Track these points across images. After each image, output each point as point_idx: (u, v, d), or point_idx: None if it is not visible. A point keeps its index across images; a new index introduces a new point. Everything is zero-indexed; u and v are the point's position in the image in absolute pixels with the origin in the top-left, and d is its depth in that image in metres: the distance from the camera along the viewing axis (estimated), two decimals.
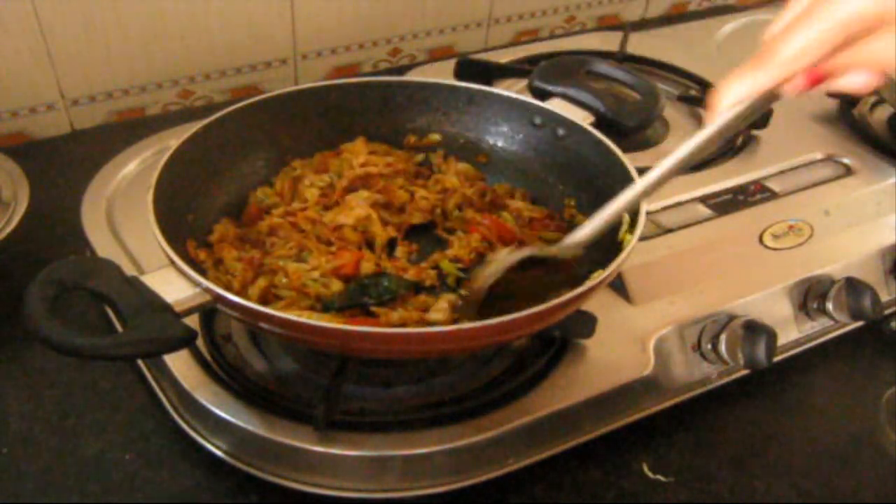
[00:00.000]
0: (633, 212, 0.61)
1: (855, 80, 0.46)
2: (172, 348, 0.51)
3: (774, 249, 0.77)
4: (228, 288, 0.61)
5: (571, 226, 0.72)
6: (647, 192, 0.57)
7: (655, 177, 0.57)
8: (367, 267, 0.66)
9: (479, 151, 0.78)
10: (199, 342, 0.64)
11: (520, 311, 0.51)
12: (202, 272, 0.61)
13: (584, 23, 1.31)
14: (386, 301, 0.63)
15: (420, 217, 0.72)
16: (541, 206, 0.74)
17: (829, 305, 0.74)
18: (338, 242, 0.67)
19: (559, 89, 0.77)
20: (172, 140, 0.66)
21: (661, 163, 0.56)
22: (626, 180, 0.64)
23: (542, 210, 0.73)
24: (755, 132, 0.91)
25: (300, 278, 0.64)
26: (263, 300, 0.63)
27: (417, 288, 0.66)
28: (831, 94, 0.97)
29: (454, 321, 0.61)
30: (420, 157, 0.78)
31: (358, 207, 0.70)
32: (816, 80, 0.47)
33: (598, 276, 0.56)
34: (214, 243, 0.66)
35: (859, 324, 0.76)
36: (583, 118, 0.73)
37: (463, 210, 0.73)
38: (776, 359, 0.69)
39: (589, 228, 0.58)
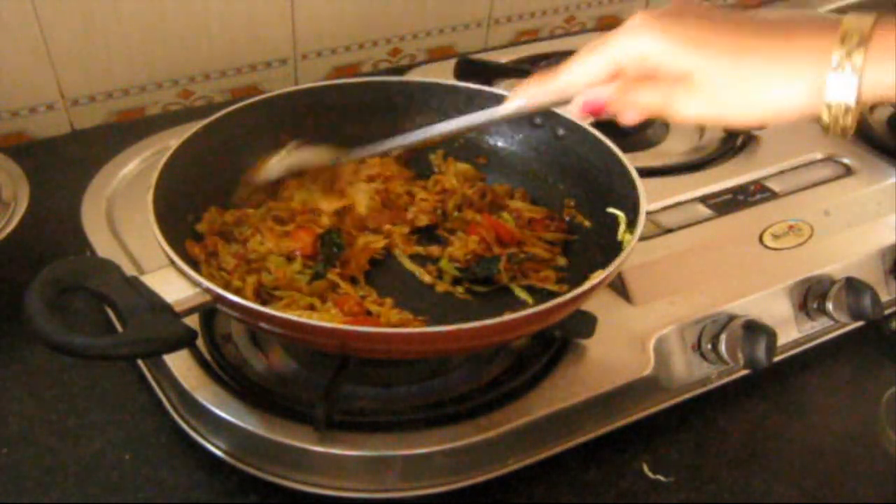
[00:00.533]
0: (633, 211, 0.61)
1: (627, 116, 0.52)
2: (172, 348, 0.51)
3: (774, 249, 0.77)
4: (226, 285, 0.62)
5: (572, 225, 0.72)
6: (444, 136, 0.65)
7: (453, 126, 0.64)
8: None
9: (479, 152, 0.78)
10: (199, 342, 0.64)
11: None
12: (197, 269, 0.61)
13: (584, 23, 1.31)
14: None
15: (425, 219, 0.72)
16: (540, 205, 0.74)
17: (829, 305, 0.74)
18: (300, 220, 0.69)
19: None
20: (172, 140, 0.66)
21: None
22: (626, 180, 0.64)
23: (541, 210, 0.73)
24: (755, 132, 0.91)
25: (285, 274, 0.64)
26: (258, 296, 0.63)
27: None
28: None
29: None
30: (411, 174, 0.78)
31: (361, 193, 0.70)
32: (593, 110, 0.54)
33: (598, 276, 0.56)
34: (206, 234, 0.66)
35: (859, 324, 0.76)
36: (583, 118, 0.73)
37: (462, 210, 0.73)
38: (776, 359, 0.69)
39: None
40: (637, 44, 0.49)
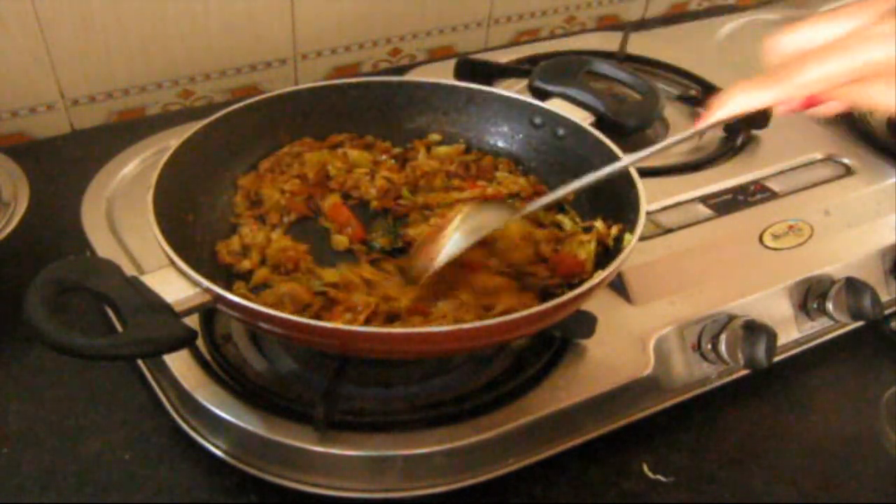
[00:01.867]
0: (633, 211, 0.61)
1: (833, 107, 0.49)
2: (172, 348, 0.51)
3: (774, 249, 0.77)
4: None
5: (561, 206, 0.72)
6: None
7: (640, 157, 0.59)
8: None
9: (480, 152, 0.78)
10: (199, 342, 0.64)
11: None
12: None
13: (584, 23, 1.31)
14: None
15: (375, 195, 0.73)
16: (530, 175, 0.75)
17: (829, 305, 0.74)
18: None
19: (559, 89, 0.77)
20: (172, 140, 0.66)
21: (653, 147, 0.58)
22: (626, 180, 0.64)
23: (527, 182, 0.73)
24: (755, 132, 0.91)
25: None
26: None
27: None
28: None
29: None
30: (398, 149, 0.78)
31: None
32: (811, 104, 0.48)
33: (598, 276, 0.56)
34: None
35: (859, 324, 0.76)
36: (583, 118, 0.73)
37: (450, 181, 0.74)
38: (776, 359, 0.69)
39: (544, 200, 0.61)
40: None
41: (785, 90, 0.47)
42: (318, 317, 0.60)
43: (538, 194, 0.72)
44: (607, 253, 0.65)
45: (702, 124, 0.52)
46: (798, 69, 0.46)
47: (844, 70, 0.45)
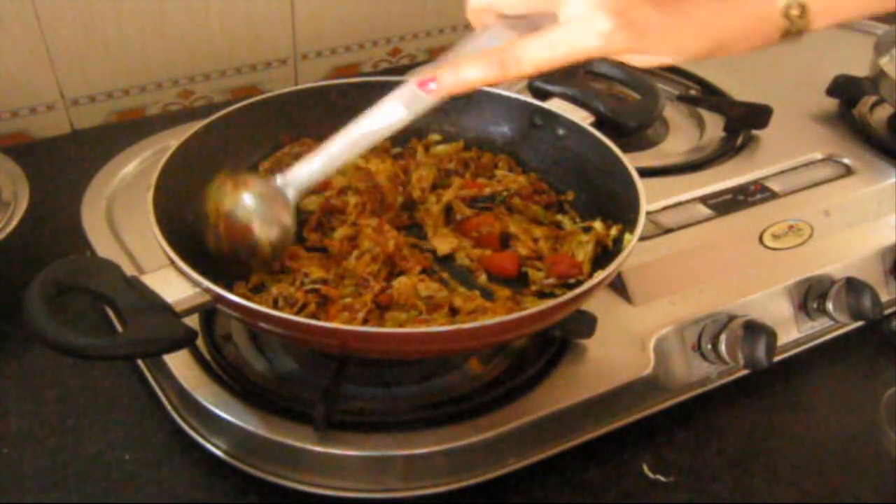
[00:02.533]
0: (633, 211, 0.61)
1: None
2: (172, 348, 0.51)
3: (774, 249, 0.77)
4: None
5: (561, 205, 0.72)
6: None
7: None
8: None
9: (479, 150, 0.78)
10: (199, 342, 0.64)
11: None
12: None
13: None
14: None
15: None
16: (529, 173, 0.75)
17: (829, 305, 0.74)
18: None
19: (559, 89, 0.77)
20: (172, 140, 0.66)
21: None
22: (627, 180, 0.64)
23: (527, 179, 0.73)
24: (755, 132, 0.91)
25: None
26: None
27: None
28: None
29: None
30: (397, 149, 0.78)
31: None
32: None
33: (599, 276, 0.56)
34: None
35: (859, 324, 0.76)
36: (583, 118, 0.73)
37: (449, 179, 0.74)
38: (776, 359, 0.69)
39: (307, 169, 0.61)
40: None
41: (509, 69, 0.51)
42: (314, 316, 0.60)
43: (538, 192, 0.72)
44: (607, 253, 0.65)
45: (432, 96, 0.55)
46: (521, 52, 0.51)
47: (560, 57, 0.51)
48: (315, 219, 0.71)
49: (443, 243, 0.68)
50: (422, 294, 0.62)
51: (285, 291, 0.61)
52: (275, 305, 0.61)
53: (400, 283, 0.62)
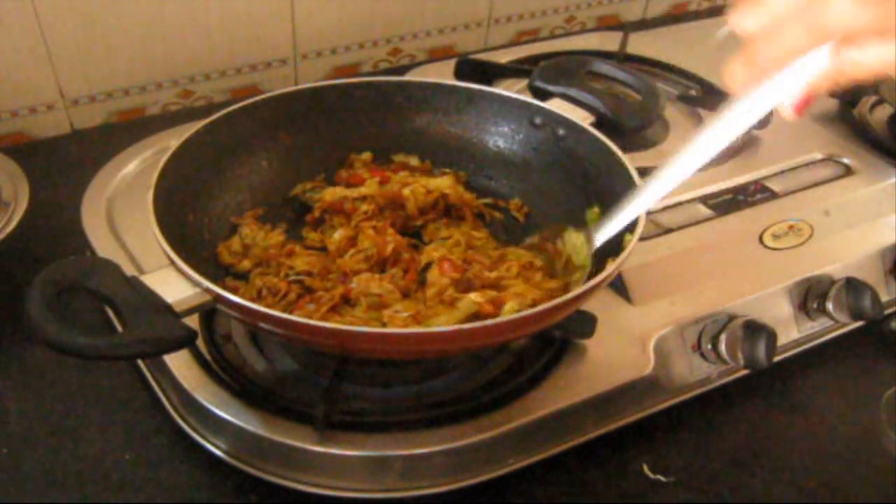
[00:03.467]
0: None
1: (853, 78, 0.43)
2: (172, 348, 0.51)
3: (774, 249, 0.77)
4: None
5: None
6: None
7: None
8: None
9: (481, 153, 0.78)
10: (199, 342, 0.64)
11: None
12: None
13: (584, 23, 1.31)
14: None
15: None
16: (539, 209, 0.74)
17: (829, 305, 0.74)
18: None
19: (559, 89, 0.77)
20: (172, 140, 0.66)
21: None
22: (627, 180, 0.64)
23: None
24: (755, 132, 0.91)
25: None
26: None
27: None
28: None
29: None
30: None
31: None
32: (809, 101, 0.45)
33: (598, 276, 0.56)
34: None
35: (859, 324, 0.76)
36: (583, 118, 0.73)
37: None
38: (776, 359, 0.69)
39: None
40: None
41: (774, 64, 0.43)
42: (293, 304, 0.61)
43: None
44: (607, 253, 0.65)
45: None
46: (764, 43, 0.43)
47: (828, 31, 0.41)
48: (317, 212, 0.71)
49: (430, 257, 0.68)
50: (373, 291, 0.62)
51: (269, 282, 0.62)
52: (259, 296, 0.62)
53: (359, 279, 0.63)
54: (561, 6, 1.26)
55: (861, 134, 0.92)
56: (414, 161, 0.79)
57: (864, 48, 0.42)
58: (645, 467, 0.64)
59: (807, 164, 0.87)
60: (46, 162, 0.93)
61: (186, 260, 0.54)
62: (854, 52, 0.42)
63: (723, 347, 0.68)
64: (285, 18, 1.04)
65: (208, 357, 0.64)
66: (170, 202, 0.61)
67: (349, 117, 0.77)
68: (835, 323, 0.75)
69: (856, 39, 0.42)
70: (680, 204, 0.80)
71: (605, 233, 0.60)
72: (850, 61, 0.42)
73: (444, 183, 0.75)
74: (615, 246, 0.61)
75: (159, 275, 0.53)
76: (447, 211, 0.74)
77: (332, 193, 0.73)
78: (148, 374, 0.67)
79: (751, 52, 0.44)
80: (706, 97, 0.99)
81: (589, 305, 0.65)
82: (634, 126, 0.76)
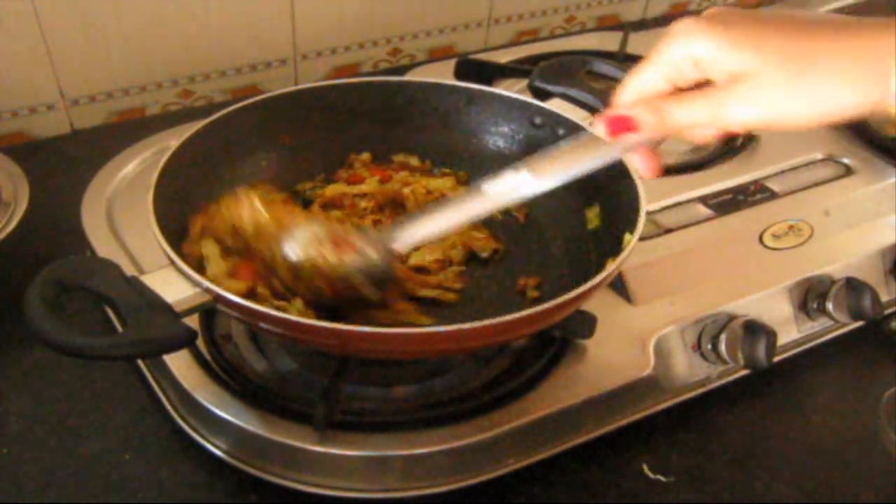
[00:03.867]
0: (633, 211, 0.61)
1: (704, 133, 0.50)
2: (172, 348, 0.51)
3: (774, 249, 0.77)
4: None
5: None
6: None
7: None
8: None
9: (481, 154, 0.78)
10: (199, 342, 0.64)
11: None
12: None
13: (584, 23, 1.31)
14: None
15: None
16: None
17: (829, 305, 0.74)
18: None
19: (559, 89, 0.77)
20: (172, 140, 0.66)
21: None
22: (626, 180, 0.64)
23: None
24: (755, 132, 0.91)
25: None
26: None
27: None
28: None
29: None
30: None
31: None
32: (620, 127, 0.51)
33: (598, 276, 0.56)
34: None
35: (859, 324, 0.76)
36: (583, 118, 0.73)
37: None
38: (776, 359, 0.69)
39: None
40: (690, 43, 0.46)
41: (658, 129, 0.50)
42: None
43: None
44: (607, 253, 0.65)
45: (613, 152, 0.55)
46: (622, 84, 0.51)
47: (647, 73, 0.49)
48: (317, 207, 0.71)
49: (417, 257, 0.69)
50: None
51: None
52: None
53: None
54: (561, 6, 1.26)
55: (861, 134, 0.92)
56: (414, 161, 0.79)
57: (686, 102, 0.48)
58: (645, 467, 0.64)
59: (807, 164, 0.87)
60: (46, 162, 0.93)
61: (186, 260, 0.54)
62: (676, 108, 0.49)
63: (723, 347, 0.68)
64: (285, 18, 1.04)
65: (208, 357, 0.64)
66: (170, 202, 0.61)
67: (349, 117, 0.77)
68: (835, 323, 0.75)
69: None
70: (680, 204, 0.80)
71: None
72: (669, 116, 0.49)
73: (444, 184, 0.75)
74: (615, 246, 0.61)
75: (159, 275, 0.53)
76: None
77: (333, 189, 0.73)
78: (148, 374, 0.67)
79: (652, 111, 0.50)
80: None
81: (589, 305, 0.65)
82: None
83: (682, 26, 0.47)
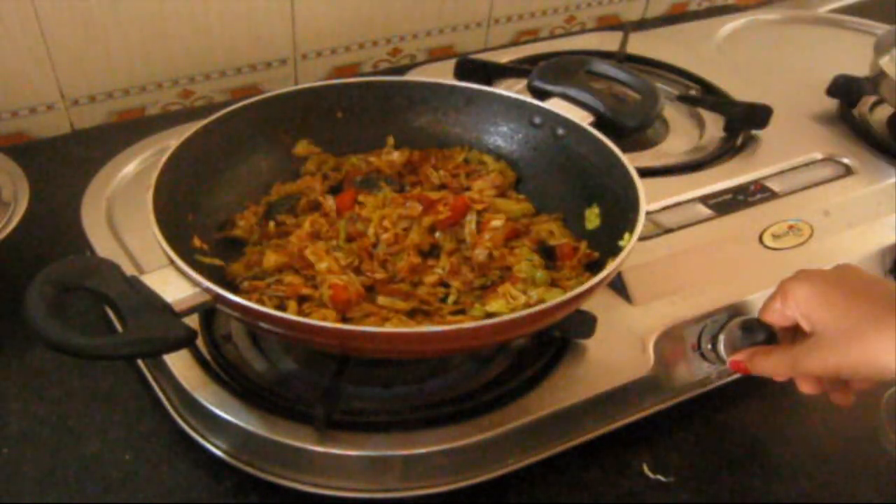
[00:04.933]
0: (633, 211, 0.61)
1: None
2: (172, 348, 0.51)
3: (774, 249, 0.77)
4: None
5: (590, 264, 0.67)
6: None
7: None
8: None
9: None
10: (199, 342, 0.64)
11: None
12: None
13: (584, 23, 1.31)
14: None
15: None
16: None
17: None
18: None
19: (559, 89, 0.77)
20: (172, 140, 0.66)
21: None
22: (627, 180, 0.64)
23: (568, 238, 0.69)
24: (755, 132, 0.91)
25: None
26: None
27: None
28: None
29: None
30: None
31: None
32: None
33: (598, 276, 0.56)
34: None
35: None
36: (583, 118, 0.73)
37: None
38: None
39: None
40: (800, 288, 0.58)
41: (786, 373, 0.59)
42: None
43: (573, 252, 0.68)
44: (607, 253, 0.65)
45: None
46: (755, 363, 0.61)
47: (775, 310, 0.61)
48: (304, 203, 0.72)
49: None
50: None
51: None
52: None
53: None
54: (561, 6, 1.26)
55: (861, 134, 0.92)
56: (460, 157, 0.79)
57: (767, 357, 0.60)
58: (645, 467, 0.64)
59: (807, 164, 0.87)
60: (46, 162, 0.93)
61: (186, 260, 0.54)
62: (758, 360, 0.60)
63: (723, 347, 0.68)
64: (285, 18, 1.04)
65: (208, 357, 0.64)
66: (170, 202, 0.61)
67: (349, 117, 0.77)
68: None
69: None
70: (680, 204, 0.80)
71: None
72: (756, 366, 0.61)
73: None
74: (615, 246, 0.61)
75: (159, 275, 0.53)
76: None
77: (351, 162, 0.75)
78: (148, 374, 0.67)
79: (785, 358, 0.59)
80: (706, 97, 0.99)
81: (589, 305, 0.65)
82: (634, 126, 0.76)
83: (801, 276, 0.60)
